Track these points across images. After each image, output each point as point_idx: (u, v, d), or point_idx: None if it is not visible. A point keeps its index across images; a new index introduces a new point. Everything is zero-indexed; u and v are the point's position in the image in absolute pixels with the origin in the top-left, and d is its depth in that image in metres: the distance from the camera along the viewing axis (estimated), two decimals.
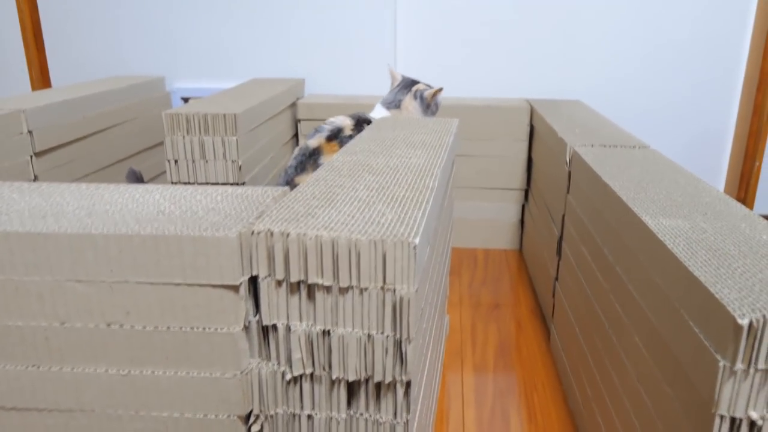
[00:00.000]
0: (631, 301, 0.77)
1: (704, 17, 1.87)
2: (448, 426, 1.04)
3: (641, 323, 0.73)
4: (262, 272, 0.55)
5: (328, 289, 0.55)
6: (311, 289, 0.55)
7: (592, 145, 1.18)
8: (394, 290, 0.54)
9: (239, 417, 0.59)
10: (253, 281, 0.57)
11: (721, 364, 0.51)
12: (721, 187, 2.04)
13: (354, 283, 0.54)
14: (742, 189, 1.97)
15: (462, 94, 1.99)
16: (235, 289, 0.55)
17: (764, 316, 0.49)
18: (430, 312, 0.78)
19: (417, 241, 0.53)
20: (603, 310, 0.90)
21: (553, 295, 1.29)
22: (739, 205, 0.78)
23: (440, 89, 1.40)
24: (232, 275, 0.54)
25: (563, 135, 1.27)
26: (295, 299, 0.56)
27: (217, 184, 1.29)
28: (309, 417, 0.59)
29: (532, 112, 1.73)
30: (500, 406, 1.09)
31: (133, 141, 1.68)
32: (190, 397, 0.58)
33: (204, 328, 0.56)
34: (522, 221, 1.84)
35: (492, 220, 1.84)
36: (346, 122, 1.27)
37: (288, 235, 0.54)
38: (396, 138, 0.98)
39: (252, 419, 0.60)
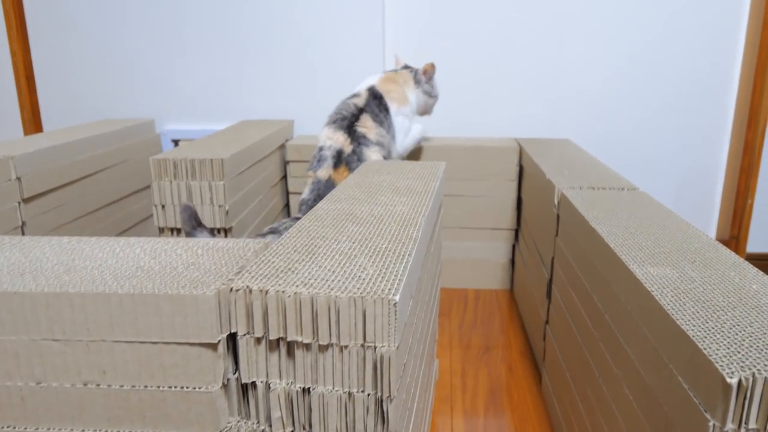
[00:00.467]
0: (620, 352, 0.76)
1: (693, 56, 1.89)
2: None
3: (631, 375, 0.72)
4: (240, 329, 0.54)
5: (307, 346, 0.54)
6: (291, 347, 0.54)
7: (581, 188, 1.17)
8: (375, 348, 0.53)
9: None
10: (233, 338, 0.56)
11: (710, 423, 0.50)
12: (714, 225, 2.04)
13: (334, 340, 0.53)
14: (735, 226, 1.97)
15: (452, 133, 2.00)
16: (213, 347, 0.54)
17: (753, 375, 0.48)
18: (416, 363, 0.77)
19: (397, 297, 0.52)
20: (593, 358, 0.89)
21: (544, 339, 1.28)
22: (728, 251, 0.78)
23: (431, 64, 1.56)
24: (210, 333, 0.53)
25: (551, 177, 1.27)
26: (274, 357, 0.55)
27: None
28: None
29: (521, 152, 1.73)
30: None
31: (122, 184, 1.68)
32: None
33: (182, 387, 0.55)
34: (513, 261, 1.84)
35: (482, 260, 1.84)
36: (340, 140, 1.39)
37: (267, 292, 0.53)
38: (382, 183, 0.98)
39: None
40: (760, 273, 0.70)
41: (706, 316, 0.59)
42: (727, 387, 0.48)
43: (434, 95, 1.62)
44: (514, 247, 1.82)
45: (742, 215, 1.94)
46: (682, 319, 0.58)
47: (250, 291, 0.53)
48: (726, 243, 1.99)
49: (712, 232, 2.05)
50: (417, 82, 1.58)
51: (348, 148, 1.38)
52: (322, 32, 1.94)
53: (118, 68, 2.03)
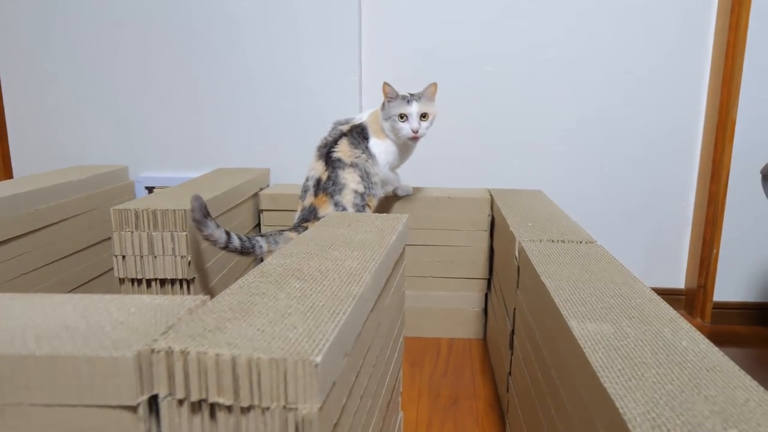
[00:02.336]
0: (563, 408, 0.76)
1: (659, 115, 1.93)
2: None
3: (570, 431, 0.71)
4: (162, 391, 0.54)
5: (229, 408, 0.53)
6: (213, 409, 0.54)
7: (540, 240, 1.18)
8: (297, 409, 0.52)
9: None
10: (155, 399, 0.55)
11: None
12: (683, 275, 2.05)
13: (255, 402, 0.53)
14: (702, 275, 1.98)
15: (426, 184, 2.01)
16: (133, 409, 0.53)
17: None
18: (359, 419, 0.76)
19: (319, 359, 0.52)
20: (543, 414, 0.89)
21: (507, 390, 1.27)
22: (667, 307, 0.78)
23: (385, 83, 1.53)
24: (130, 396, 0.53)
25: (514, 229, 1.28)
26: (197, 419, 0.54)
27: (165, 279, 1.28)
28: None
29: (493, 203, 1.75)
30: None
31: (91, 232, 1.67)
32: None
33: None
34: (486, 310, 1.83)
35: (456, 309, 1.83)
36: (319, 168, 1.51)
37: (188, 353, 0.52)
38: (337, 237, 0.98)
39: None
40: (693, 329, 0.70)
41: (631, 373, 0.59)
42: None
43: (388, 116, 1.54)
44: (486, 296, 1.82)
45: (708, 265, 1.95)
46: (607, 377, 0.58)
47: (171, 352, 0.53)
48: (694, 293, 2.00)
49: (681, 282, 2.06)
50: (381, 107, 1.59)
51: (324, 176, 1.49)
52: (299, 82, 1.97)
53: (92, 116, 2.04)
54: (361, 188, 1.50)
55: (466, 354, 1.72)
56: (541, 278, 0.92)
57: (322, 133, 1.94)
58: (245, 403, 0.53)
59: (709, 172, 1.91)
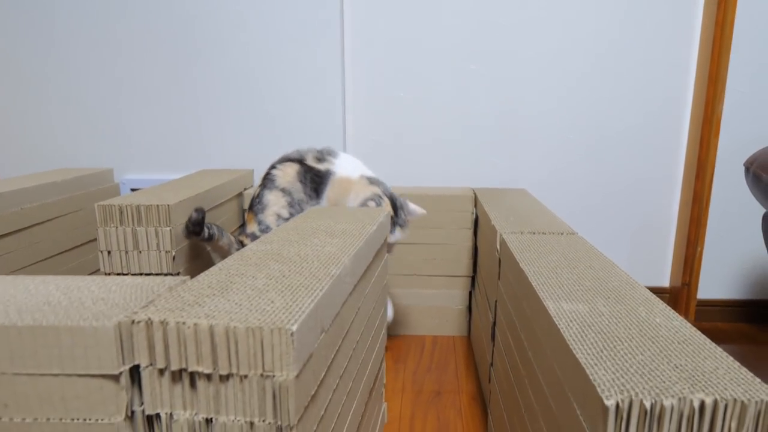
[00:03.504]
0: (539, 388, 0.78)
1: (645, 112, 1.96)
2: None
3: (546, 411, 0.73)
4: (143, 361, 0.56)
5: (208, 377, 0.55)
6: (193, 378, 0.55)
7: (522, 233, 1.21)
8: (274, 377, 0.54)
9: None
10: (137, 370, 0.57)
11: None
12: (668, 273, 2.08)
13: (234, 370, 0.54)
14: (687, 274, 2.01)
15: (411, 183, 2.03)
16: (115, 378, 0.55)
17: (631, 398, 0.50)
18: (339, 398, 0.78)
19: (295, 327, 0.54)
20: (521, 397, 0.91)
21: (489, 381, 1.29)
22: (644, 289, 0.81)
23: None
24: (111, 365, 0.54)
25: (495, 222, 1.31)
26: (177, 388, 0.56)
27: (150, 274, 1.29)
28: None
29: (476, 201, 1.77)
30: None
31: (75, 233, 1.68)
32: None
33: (85, 419, 0.56)
34: (470, 308, 1.85)
35: (440, 307, 1.85)
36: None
37: (167, 324, 0.54)
38: (319, 227, 1.00)
39: None
40: (668, 309, 0.73)
41: (603, 345, 0.61)
42: (605, 409, 0.50)
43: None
44: (470, 294, 1.84)
45: (693, 263, 1.98)
46: (580, 349, 0.60)
47: (151, 323, 0.55)
48: (678, 290, 2.03)
49: (666, 280, 2.09)
50: (369, 181, 1.49)
51: (257, 192, 1.46)
52: (282, 83, 1.99)
53: (76, 118, 2.05)
54: (285, 213, 1.42)
55: (450, 350, 1.73)
56: (520, 265, 0.95)
57: (305, 135, 1.97)
58: (224, 371, 0.54)
59: (694, 170, 1.94)
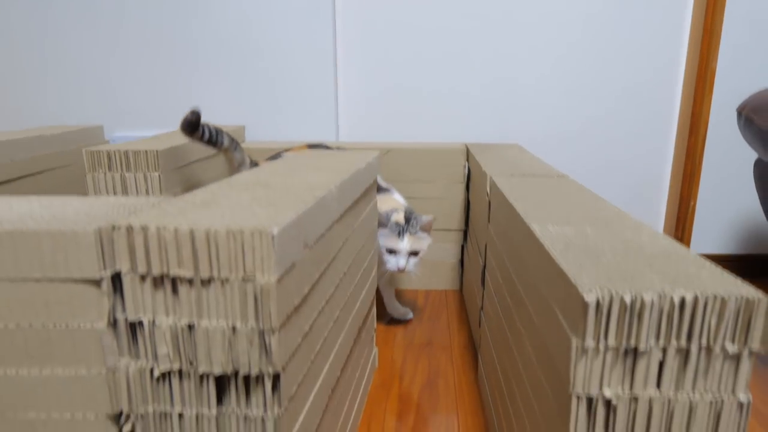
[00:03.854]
0: (525, 311, 0.78)
1: (638, 68, 1.95)
2: None
3: (531, 330, 0.74)
4: (124, 267, 0.55)
5: (190, 281, 0.55)
6: (174, 283, 0.55)
7: (512, 175, 1.20)
8: (255, 280, 0.54)
9: (108, 416, 0.58)
10: (119, 278, 0.57)
11: (573, 342, 0.52)
12: (661, 227, 2.09)
13: (215, 274, 0.55)
14: (680, 229, 2.01)
15: (403, 140, 2.03)
16: (97, 283, 0.55)
17: (611, 293, 0.51)
18: (326, 321, 0.78)
19: (276, 231, 0.53)
20: (508, 326, 0.91)
21: (480, 325, 1.30)
22: (634, 219, 0.81)
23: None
24: (92, 269, 0.54)
25: (486, 168, 1.30)
26: (159, 294, 0.56)
27: None
28: (180, 415, 0.59)
29: (469, 155, 1.77)
30: (420, 429, 1.08)
31: (65, 188, 1.68)
32: (56, 397, 0.57)
33: (67, 325, 0.56)
34: (462, 262, 1.86)
35: (432, 262, 1.86)
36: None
37: (147, 228, 0.54)
38: (308, 164, 1.00)
39: (123, 419, 0.59)
40: (658, 232, 0.73)
41: (587, 258, 0.61)
42: (585, 305, 0.50)
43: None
44: (463, 248, 1.85)
45: (686, 218, 1.99)
46: (564, 260, 0.60)
47: (132, 228, 0.54)
48: None
49: None
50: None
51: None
52: (273, 40, 1.97)
53: (65, 75, 2.04)
54: None
55: (442, 304, 1.74)
56: (509, 200, 0.94)
57: (296, 92, 1.96)
58: (205, 275, 0.54)
59: (688, 125, 1.93)
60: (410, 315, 1.63)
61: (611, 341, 0.51)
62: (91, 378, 0.57)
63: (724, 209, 2.01)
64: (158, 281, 0.55)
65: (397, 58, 1.97)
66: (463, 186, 1.81)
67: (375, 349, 1.30)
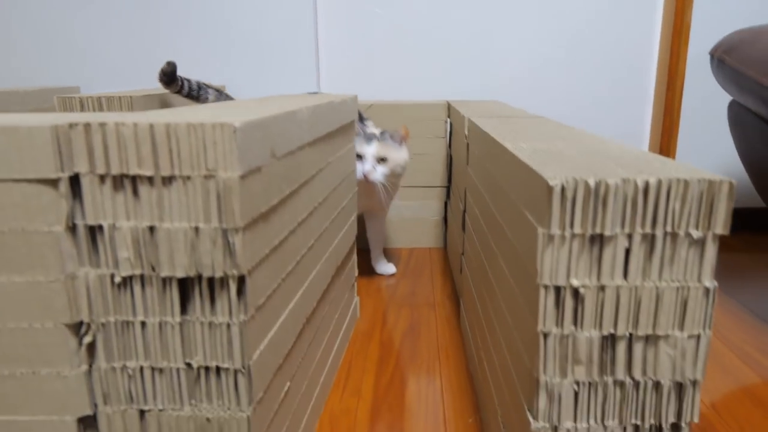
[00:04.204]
0: (499, 230, 0.78)
1: (615, 24, 1.94)
2: (344, 391, 1.02)
3: (504, 245, 0.73)
4: (83, 168, 0.54)
5: (150, 180, 0.54)
6: (135, 184, 0.54)
7: (490, 117, 1.20)
8: (218, 177, 0.53)
9: (66, 325, 0.57)
10: (78, 182, 0.55)
11: (539, 231, 0.52)
12: None
13: (176, 172, 0.54)
14: None
15: (385, 98, 2.01)
16: (54, 184, 0.54)
17: (575, 180, 0.50)
18: (299, 248, 0.77)
19: (238, 124, 0.52)
20: (485, 255, 0.91)
21: (461, 271, 1.30)
22: (609, 141, 0.80)
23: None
24: (49, 168, 0.53)
25: (465, 113, 1.30)
26: (119, 196, 0.55)
27: None
28: (142, 324, 0.58)
29: (450, 110, 1.76)
30: (399, 374, 1.08)
31: None
32: (12, 305, 0.56)
33: (23, 228, 0.55)
34: (446, 219, 1.85)
35: (416, 219, 1.85)
36: None
37: (106, 125, 0.53)
38: (283, 99, 0.99)
39: (83, 329, 0.58)
40: (630, 145, 0.72)
41: (553, 159, 0.61)
42: (550, 190, 0.50)
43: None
44: (446, 205, 1.84)
45: None
46: (531, 160, 0.60)
47: (89, 125, 0.53)
48: None
49: None
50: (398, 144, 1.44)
51: None
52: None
53: (40, 36, 2.00)
54: None
55: (425, 260, 1.74)
56: (484, 129, 0.94)
57: (276, 50, 1.94)
58: (166, 173, 0.53)
59: (665, 81, 1.93)
60: (393, 269, 1.62)
61: (577, 228, 0.51)
62: (49, 285, 0.56)
63: (703, 163, 2.01)
64: (118, 182, 0.54)
65: (379, 18, 1.95)
66: (445, 142, 1.80)
67: (356, 299, 1.30)
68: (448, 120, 1.78)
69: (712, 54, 1.31)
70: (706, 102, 1.94)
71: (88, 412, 0.59)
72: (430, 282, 1.55)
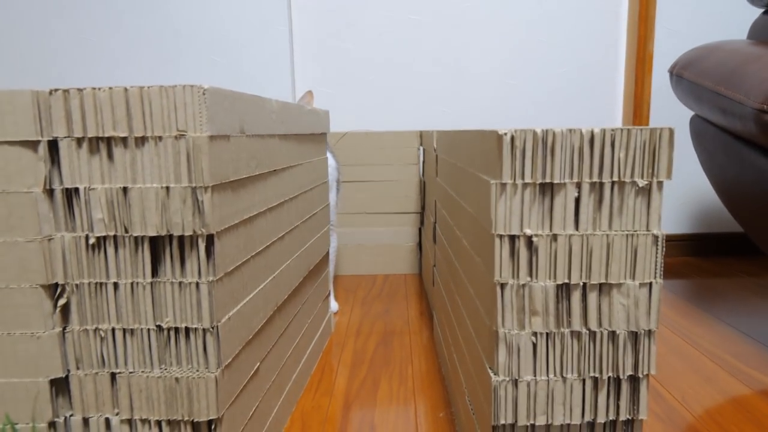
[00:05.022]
0: (462, 213, 0.81)
1: (582, 54, 2.03)
2: (316, 392, 1.03)
3: (466, 222, 0.77)
4: (61, 132, 0.58)
5: (125, 142, 0.57)
6: (110, 147, 0.58)
7: (458, 130, 1.24)
8: (188, 137, 0.57)
9: (41, 286, 0.59)
10: (56, 147, 0.59)
11: (492, 183, 0.55)
12: None
13: (149, 133, 0.57)
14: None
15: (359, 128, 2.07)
16: (33, 146, 0.57)
17: (524, 131, 0.54)
18: (272, 230, 0.80)
19: (207, 87, 0.56)
20: (452, 248, 0.94)
21: (433, 284, 1.33)
22: None
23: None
24: (29, 131, 0.56)
25: (434, 131, 1.35)
26: (95, 160, 0.58)
27: None
28: (115, 285, 0.60)
29: (422, 137, 1.81)
30: (372, 376, 1.09)
31: None
32: None
33: (3, 189, 0.57)
34: (420, 245, 1.89)
35: (390, 246, 1.89)
36: None
37: (83, 90, 0.57)
38: None
39: (58, 291, 0.60)
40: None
41: (511, 126, 0.65)
42: (500, 139, 0.54)
43: None
44: (420, 231, 1.88)
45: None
46: (486, 127, 0.64)
47: (68, 91, 0.57)
48: None
49: None
50: None
51: None
52: (230, 36, 2.01)
53: (17, 39, 2.05)
54: None
55: (400, 284, 1.77)
56: (451, 133, 0.98)
57: (254, 83, 1.99)
58: (139, 134, 0.57)
59: (632, 109, 2.01)
60: (336, 308, 1.55)
61: (527, 177, 0.55)
62: (26, 246, 0.58)
63: (673, 190, 2.07)
64: (94, 146, 0.58)
65: (353, 53, 2.02)
66: (417, 169, 1.85)
67: (330, 312, 1.32)
68: (421, 147, 1.83)
69: (671, 71, 1.38)
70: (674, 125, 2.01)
71: (60, 374, 0.61)
72: (405, 302, 1.57)
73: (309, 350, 1.08)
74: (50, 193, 0.59)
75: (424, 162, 1.81)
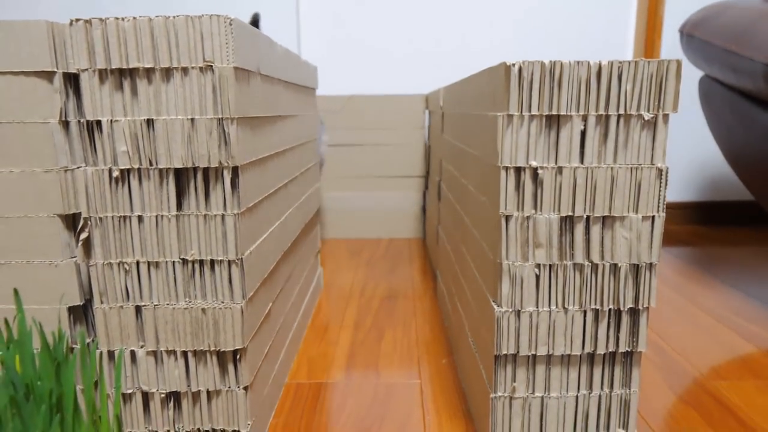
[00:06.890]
0: (467, 160, 0.85)
1: (591, 26, 2.05)
2: (321, 342, 1.08)
3: (471, 170, 0.81)
4: (82, 64, 0.61)
5: (149, 75, 0.61)
6: (134, 79, 0.62)
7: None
8: (214, 68, 0.60)
9: (59, 216, 0.63)
10: (76, 81, 0.62)
11: (499, 116, 0.60)
12: None
13: (174, 64, 0.61)
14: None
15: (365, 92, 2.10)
16: (49, 77, 0.60)
17: (532, 62, 0.58)
18: (280, 176, 0.85)
19: (233, 16, 0.60)
20: (457, 198, 0.98)
21: (437, 242, 1.37)
22: None
23: None
24: (44, 62, 0.60)
25: (440, 89, 1.38)
26: (118, 93, 0.62)
27: None
28: (139, 218, 0.64)
29: (427, 101, 1.85)
30: (376, 329, 1.15)
31: None
32: (9, 195, 0.62)
33: (20, 121, 0.61)
34: (424, 209, 1.93)
35: (395, 210, 1.93)
36: None
37: (106, 21, 0.60)
38: None
39: (80, 225, 0.65)
40: None
41: None
42: (508, 71, 0.58)
43: None
44: (424, 195, 1.92)
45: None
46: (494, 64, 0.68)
47: (90, 22, 0.61)
48: None
49: None
50: None
51: None
52: None
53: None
54: None
55: (404, 247, 1.81)
56: (458, 85, 1.02)
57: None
58: (165, 65, 0.61)
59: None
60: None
61: (534, 109, 0.59)
62: (44, 176, 0.62)
63: (681, 158, 2.11)
64: (116, 79, 0.61)
65: (361, 17, 2.04)
66: (423, 133, 1.89)
67: (320, 270, 1.37)
68: (427, 111, 1.87)
69: (681, 31, 1.42)
70: (682, 102, 2.05)
71: (78, 302, 0.65)
72: (409, 263, 1.62)
73: (304, 304, 1.13)
74: (66, 124, 0.62)
75: (429, 126, 1.85)
